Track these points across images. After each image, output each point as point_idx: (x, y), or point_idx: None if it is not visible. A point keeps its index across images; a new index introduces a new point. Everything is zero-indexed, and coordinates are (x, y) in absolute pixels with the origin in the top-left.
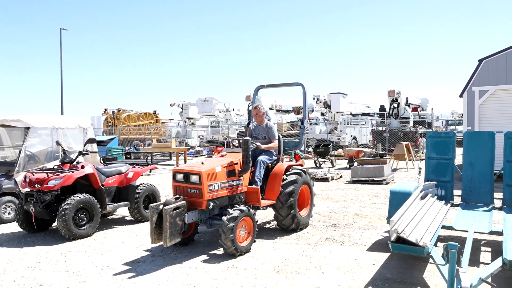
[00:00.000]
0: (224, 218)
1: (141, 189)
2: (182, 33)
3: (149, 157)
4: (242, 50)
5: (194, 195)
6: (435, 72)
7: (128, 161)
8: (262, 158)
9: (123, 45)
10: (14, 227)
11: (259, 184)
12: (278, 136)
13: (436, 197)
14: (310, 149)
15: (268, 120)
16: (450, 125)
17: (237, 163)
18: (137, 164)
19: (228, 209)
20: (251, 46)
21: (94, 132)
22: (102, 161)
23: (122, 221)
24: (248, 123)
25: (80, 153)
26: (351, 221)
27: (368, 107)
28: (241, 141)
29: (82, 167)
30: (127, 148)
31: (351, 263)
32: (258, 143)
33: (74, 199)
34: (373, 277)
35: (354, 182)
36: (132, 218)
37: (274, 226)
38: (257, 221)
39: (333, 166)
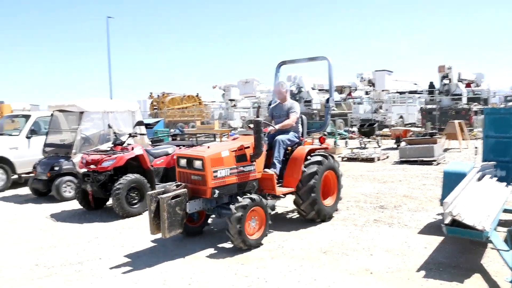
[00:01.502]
0: (232, 206)
1: None
2: (224, 16)
3: (194, 139)
4: (281, 32)
5: (197, 182)
6: (491, 45)
7: (174, 142)
8: (282, 137)
9: (166, 30)
10: (74, 205)
11: (278, 166)
12: (301, 117)
13: (495, 178)
14: (355, 129)
15: (296, 100)
16: (510, 101)
17: (248, 147)
18: (183, 145)
19: (238, 197)
20: (291, 27)
21: (141, 115)
22: (150, 142)
23: None
24: (270, 103)
25: (130, 135)
26: (400, 203)
27: (416, 84)
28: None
29: (132, 148)
30: (172, 130)
31: (401, 246)
32: (272, 125)
33: (126, 179)
34: (426, 261)
35: (401, 162)
36: None
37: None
38: (276, 212)
39: (379, 146)
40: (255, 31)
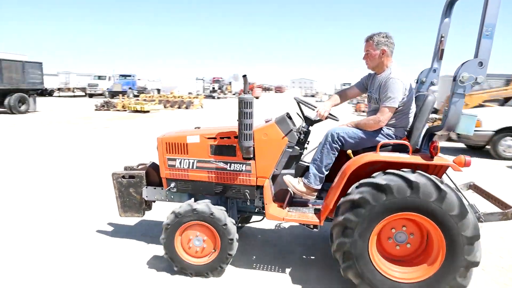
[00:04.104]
0: (170, 212)
1: None
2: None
3: None
4: None
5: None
6: None
7: None
8: (338, 130)
9: None
10: None
11: (314, 175)
12: (410, 107)
13: None
14: None
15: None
16: None
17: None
18: None
19: (190, 201)
20: None
21: None
22: None
23: None
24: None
25: None
26: None
27: None
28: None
29: None
30: None
31: None
32: (311, 106)
33: None
34: None
35: None
36: None
37: None
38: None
39: None
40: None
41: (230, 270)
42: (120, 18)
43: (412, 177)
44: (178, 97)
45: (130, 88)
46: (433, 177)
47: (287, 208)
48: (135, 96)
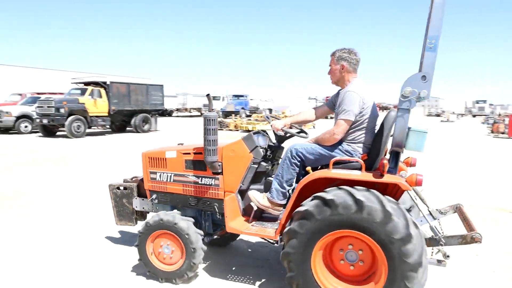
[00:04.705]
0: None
1: None
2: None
3: None
4: None
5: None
6: None
7: None
8: (298, 147)
9: None
10: None
11: (276, 190)
12: (379, 124)
13: None
14: None
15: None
16: None
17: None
18: None
19: (162, 212)
20: None
21: None
22: None
23: None
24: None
25: None
26: None
27: None
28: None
29: None
30: None
31: None
32: (276, 117)
33: None
34: None
35: None
36: None
37: None
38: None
39: None
40: None
41: (204, 279)
42: (234, 40)
43: (359, 194)
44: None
45: (242, 108)
46: (384, 197)
47: (253, 222)
48: (247, 116)
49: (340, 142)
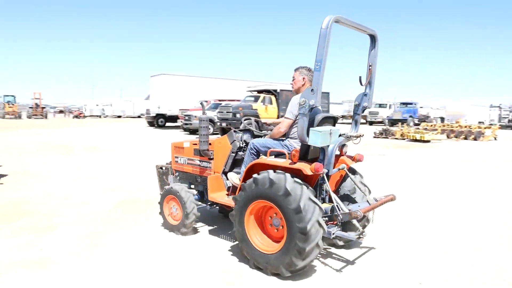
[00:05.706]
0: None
1: None
2: None
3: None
4: None
5: None
6: None
7: None
8: (254, 141)
9: None
10: None
11: (242, 173)
12: (314, 124)
13: None
14: None
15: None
16: None
17: (210, 143)
18: None
19: (174, 184)
20: None
21: None
22: None
23: None
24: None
25: None
26: None
27: None
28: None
29: None
30: None
31: None
32: (254, 119)
33: None
34: None
35: None
36: None
37: None
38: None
39: None
40: None
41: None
42: (403, 47)
43: (273, 175)
44: (465, 126)
45: (410, 116)
46: (291, 178)
47: (231, 196)
48: (415, 124)
49: (284, 137)
